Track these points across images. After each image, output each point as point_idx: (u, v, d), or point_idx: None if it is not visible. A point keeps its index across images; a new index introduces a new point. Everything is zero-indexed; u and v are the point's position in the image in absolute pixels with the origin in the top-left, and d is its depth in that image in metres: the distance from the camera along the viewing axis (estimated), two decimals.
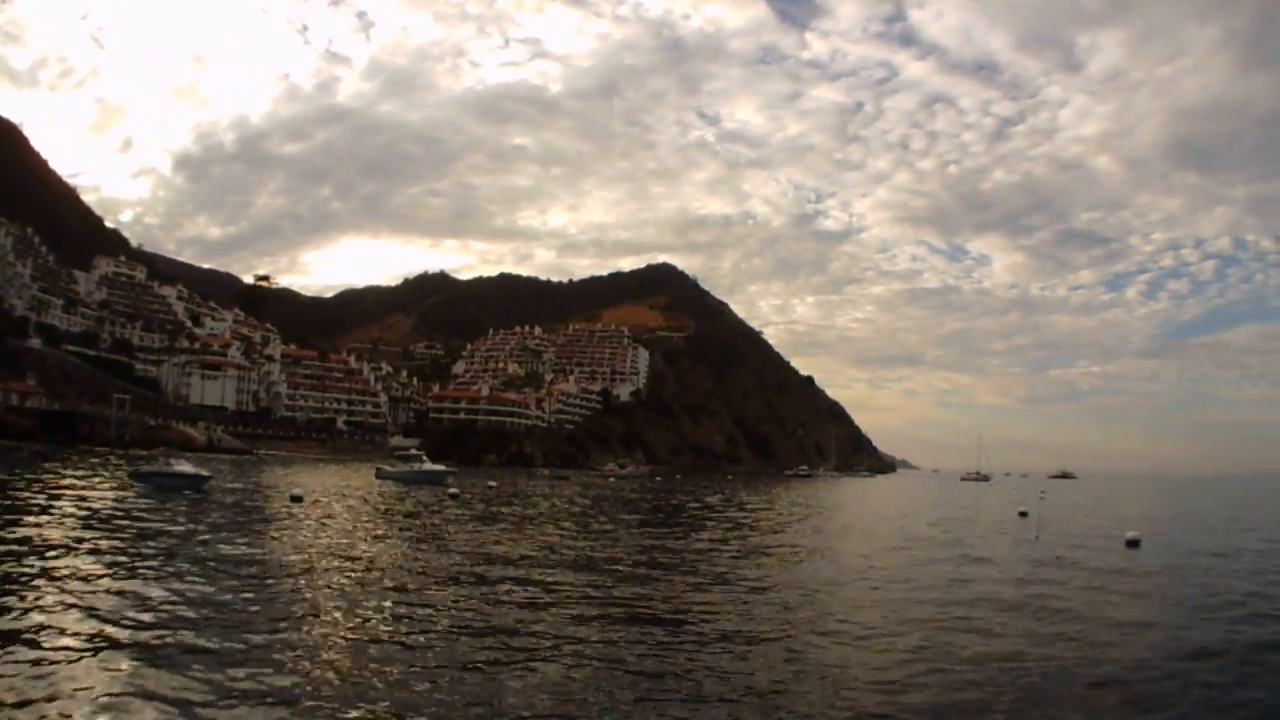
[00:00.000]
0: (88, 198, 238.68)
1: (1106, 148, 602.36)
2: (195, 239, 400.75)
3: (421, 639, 14.41)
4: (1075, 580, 25.99)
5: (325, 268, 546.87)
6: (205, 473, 47.16)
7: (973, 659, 14.53)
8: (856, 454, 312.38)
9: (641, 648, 14.38)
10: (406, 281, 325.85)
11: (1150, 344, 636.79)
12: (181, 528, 28.19)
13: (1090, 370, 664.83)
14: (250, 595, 17.12)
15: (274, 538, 27.68)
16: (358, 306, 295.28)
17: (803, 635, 16.09)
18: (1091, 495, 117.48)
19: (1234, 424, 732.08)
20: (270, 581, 18.97)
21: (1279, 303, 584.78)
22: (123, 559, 20.81)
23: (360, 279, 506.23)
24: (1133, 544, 38.78)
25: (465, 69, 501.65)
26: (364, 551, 25.44)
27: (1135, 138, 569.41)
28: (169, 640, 13.12)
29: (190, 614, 15.07)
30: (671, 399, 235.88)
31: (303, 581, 19.56)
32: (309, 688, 11.25)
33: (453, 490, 61.73)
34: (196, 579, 18.50)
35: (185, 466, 47.60)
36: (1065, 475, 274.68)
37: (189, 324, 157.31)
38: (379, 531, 32.22)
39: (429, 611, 16.68)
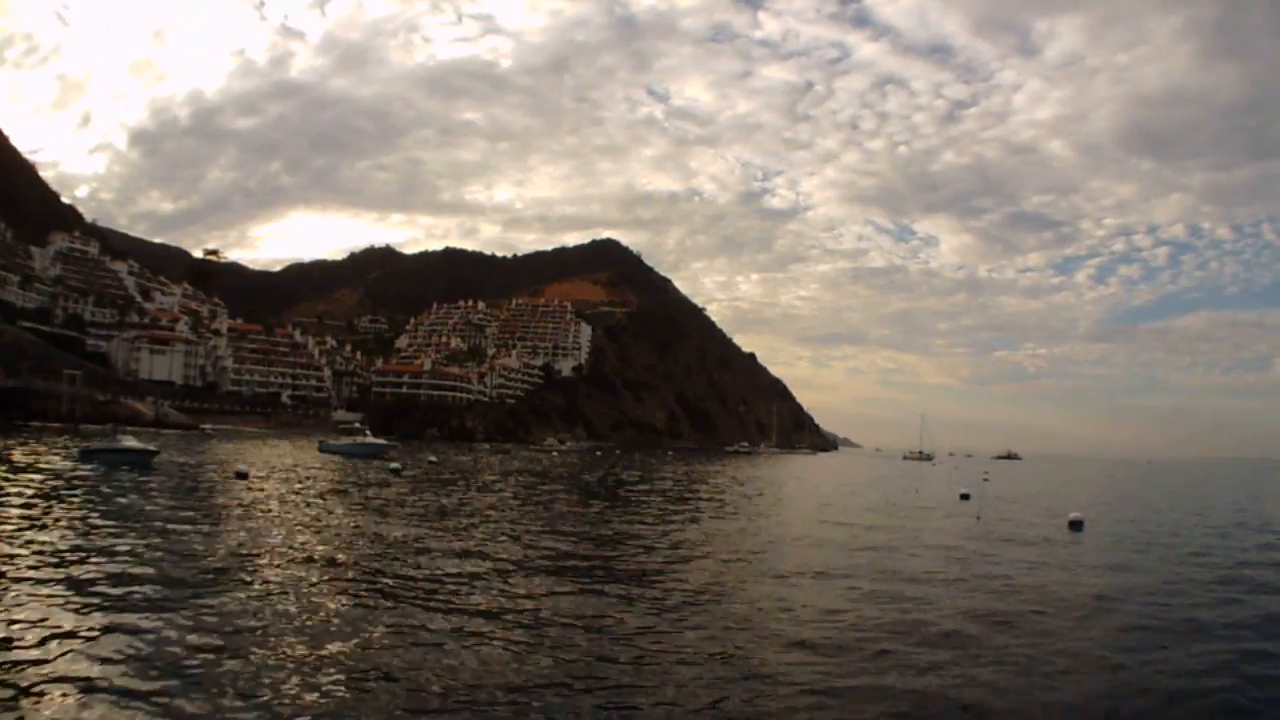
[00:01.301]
0: (46, 174, 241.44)
1: (1060, 132, 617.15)
2: (148, 213, 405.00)
3: (355, 615, 14.84)
4: (1014, 560, 26.64)
5: (274, 241, 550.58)
6: (152, 448, 48.76)
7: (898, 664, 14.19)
8: (798, 431, 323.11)
9: (551, 648, 13.66)
10: (353, 255, 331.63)
11: (1099, 328, 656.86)
12: (125, 502, 29.49)
13: (1037, 353, 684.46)
14: (185, 571, 17.63)
15: (218, 513, 28.54)
16: (304, 280, 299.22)
17: (735, 634, 15.59)
18: (1036, 477, 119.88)
19: (1184, 410, 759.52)
20: (209, 558, 19.50)
21: (1234, 290, 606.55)
22: (57, 533, 21.67)
23: (308, 253, 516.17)
24: (1075, 525, 39.94)
25: (418, 44, 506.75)
26: (305, 527, 26.21)
27: (1090, 123, 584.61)
28: (102, 614, 13.67)
29: (120, 589, 15.54)
30: (613, 374, 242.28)
31: (243, 556, 20.27)
32: (247, 667, 11.59)
33: (394, 465, 63.57)
34: (129, 555, 19.12)
35: (132, 442, 49.30)
36: (1010, 456, 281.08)
37: (139, 299, 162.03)
38: (321, 506, 33.13)
39: (365, 589, 17.13)
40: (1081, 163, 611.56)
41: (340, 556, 20.92)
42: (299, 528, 25.82)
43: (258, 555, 20.10)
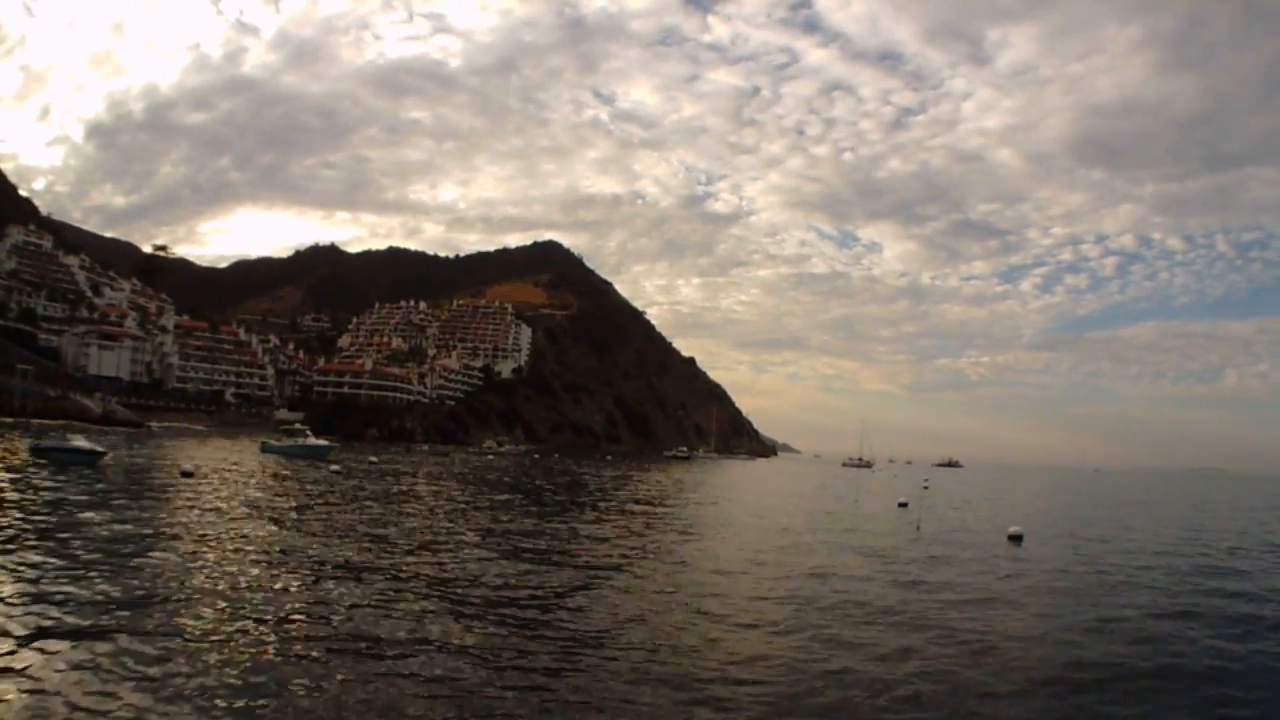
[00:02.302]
0: (6, 165, 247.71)
1: (1009, 141, 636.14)
2: (100, 207, 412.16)
3: (296, 617, 15.74)
4: (951, 577, 26.78)
5: (221, 238, 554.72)
6: (100, 449, 50.28)
7: (828, 660, 15.40)
8: (737, 436, 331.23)
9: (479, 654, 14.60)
10: (298, 253, 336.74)
11: (1043, 337, 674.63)
12: (69, 504, 30.18)
13: (980, 361, 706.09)
14: (125, 578, 18.27)
15: (163, 515, 29.43)
16: (250, 278, 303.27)
17: (658, 637, 16.63)
18: (977, 485, 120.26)
19: (1131, 419, 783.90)
20: (151, 559, 20.33)
21: (1185, 301, 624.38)
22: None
23: (255, 250, 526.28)
24: (1015, 539, 39.64)
25: (368, 42, 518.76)
26: (247, 530, 27.15)
27: (1040, 132, 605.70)
28: (33, 621, 14.28)
29: (58, 592, 16.34)
30: (552, 377, 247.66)
31: (183, 558, 20.93)
32: (182, 668, 12.50)
33: (334, 467, 65.30)
34: (70, 562, 19.61)
35: (81, 442, 50.51)
36: (951, 464, 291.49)
37: (89, 294, 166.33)
38: (262, 508, 34.10)
39: (302, 591, 18.05)
40: (1030, 172, 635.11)
41: (288, 564, 21.64)
42: (234, 538, 25.73)
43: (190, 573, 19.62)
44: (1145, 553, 37.99)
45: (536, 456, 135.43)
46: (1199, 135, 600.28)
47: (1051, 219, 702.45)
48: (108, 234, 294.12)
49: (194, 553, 21.93)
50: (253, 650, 13.91)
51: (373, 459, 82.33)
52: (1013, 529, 41.38)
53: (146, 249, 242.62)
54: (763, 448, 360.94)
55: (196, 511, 31.07)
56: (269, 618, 15.98)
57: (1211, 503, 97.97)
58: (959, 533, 42.94)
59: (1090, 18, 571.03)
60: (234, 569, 20.30)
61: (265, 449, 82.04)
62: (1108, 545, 40.78)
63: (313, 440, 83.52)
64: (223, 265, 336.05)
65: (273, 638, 14.56)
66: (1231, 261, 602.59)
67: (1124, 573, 30.10)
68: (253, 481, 48.05)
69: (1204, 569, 33.00)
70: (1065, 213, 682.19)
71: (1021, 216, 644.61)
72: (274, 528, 29.08)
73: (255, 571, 20.65)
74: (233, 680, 12.21)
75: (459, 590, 19.81)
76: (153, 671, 12.27)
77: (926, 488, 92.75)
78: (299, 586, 19.06)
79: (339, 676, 12.75)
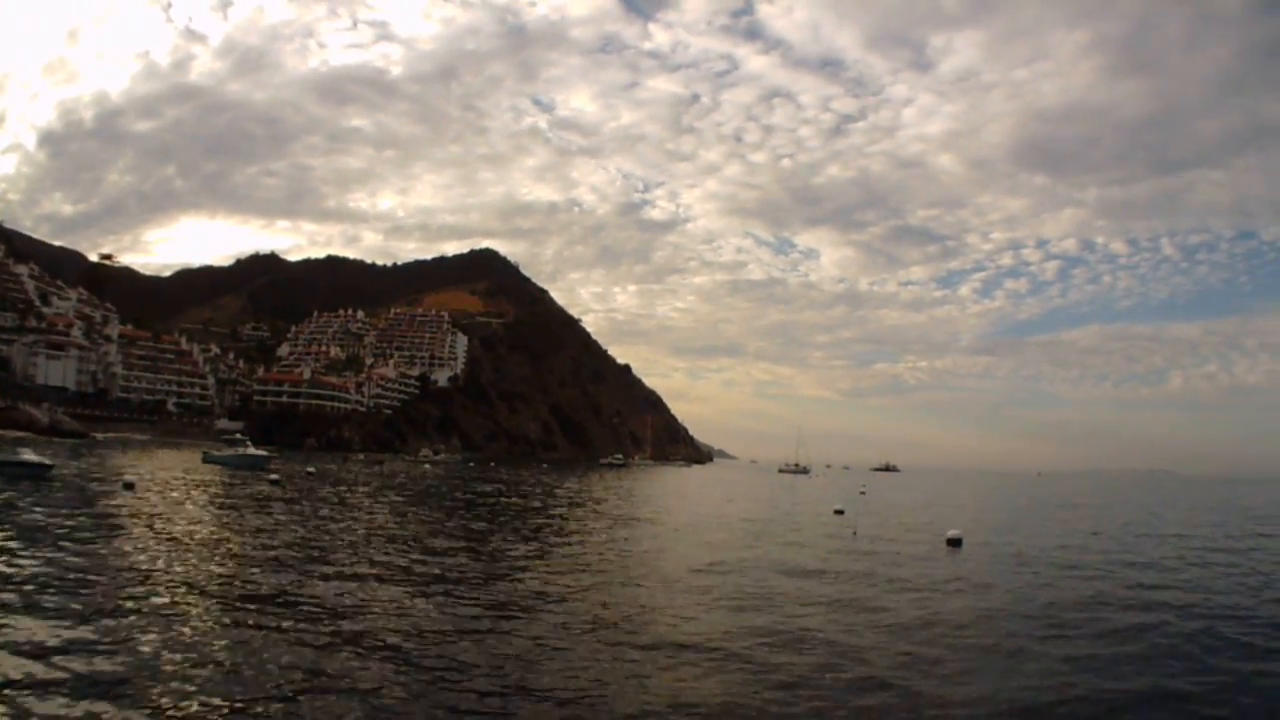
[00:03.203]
0: None
1: (950, 147, 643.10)
2: (50, 215, 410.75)
3: (239, 639, 15.91)
4: (885, 585, 26.55)
5: (165, 246, 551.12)
6: (48, 461, 51.21)
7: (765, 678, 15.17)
8: (673, 443, 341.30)
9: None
10: (239, 262, 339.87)
11: (982, 341, 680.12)
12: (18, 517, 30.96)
13: (918, 365, 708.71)
14: (71, 588, 18.92)
15: (104, 530, 29.74)
16: (192, 286, 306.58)
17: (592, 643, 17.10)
18: (916, 490, 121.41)
19: (1074, 422, 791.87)
20: (93, 577, 20.55)
21: (1128, 304, 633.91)
22: None
23: (198, 258, 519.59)
24: (954, 543, 39.69)
25: (313, 49, 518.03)
26: (185, 544, 27.62)
27: (981, 138, 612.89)
28: None
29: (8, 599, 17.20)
30: (488, 385, 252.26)
31: (126, 576, 21.17)
32: (131, 677, 12.96)
33: (274, 476, 66.21)
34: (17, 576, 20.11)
35: (30, 455, 51.39)
36: (889, 469, 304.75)
37: (38, 303, 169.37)
38: (202, 522, 34.89)
39: (241, 612, 18.13)
40: (971, 177, 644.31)
41: (223, 578, 21.99)
42: (175, 548, 26.75)
43: (127, 586, 19.88)
44: (1087, 553, 39.38)
45: (472, 466, 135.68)
46: (1146, 139, 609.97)
47: (992, 224, 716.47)
48: (57, 242, 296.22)
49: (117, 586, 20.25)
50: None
51: (310, 469, 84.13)
52: (951, 533, 41.70)
53: (93, 257, 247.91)
54: (698, 454, 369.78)
55: (139, 528, 31.30)
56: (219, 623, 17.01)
57: (1154, 505, 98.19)
58: (896, 539, 43.12)
59: (1037, 23, 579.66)
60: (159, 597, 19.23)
61: (207, 459, 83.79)
62: (1046, 550, 40.72)
63: (253, 450, 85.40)
64: (166, 274, 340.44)
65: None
66: (1177, 264, 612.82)
67: (1060, 579, 29.77)
68: (194, 495, 48.74)
69: (1134, 566, 34.24)
70: (1006, 218, 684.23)
71: (961, 222, 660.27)
72: (226, 536, 30.68)
73: (198, 574, 22.43)
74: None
75: (370, 620, 18.57)
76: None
77: (863, 493, 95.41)
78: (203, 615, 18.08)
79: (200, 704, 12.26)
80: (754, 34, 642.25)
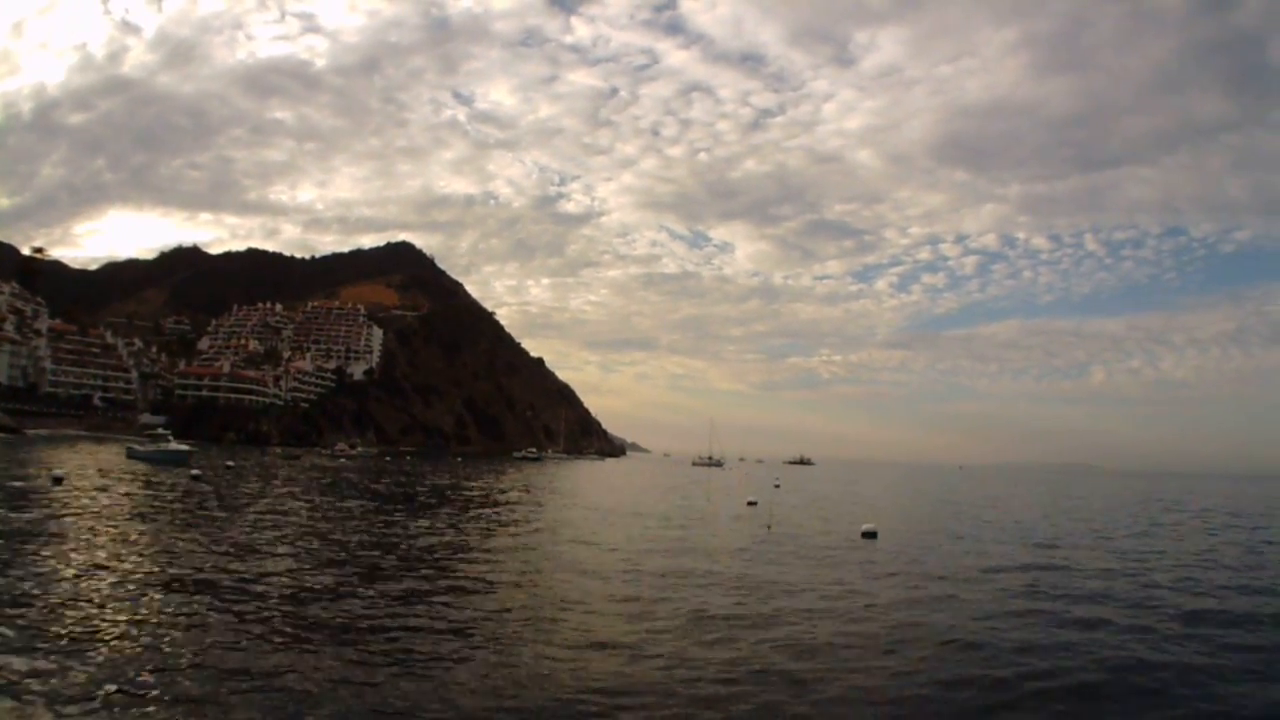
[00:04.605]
0: None
1: (869, 142, 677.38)
2: None
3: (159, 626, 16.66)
4: (801, 576, 27.39)
5: (94, 239, 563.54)
6: None
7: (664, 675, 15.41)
8: (586, 436, 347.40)
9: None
10: (162, 255, 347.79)
11: (898, 335, 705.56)
12: None
13: (832, 359, 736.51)
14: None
15: (34, 523, 30.51)
16: (117, 280, 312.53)
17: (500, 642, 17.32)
18: (831, 483, 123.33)
19: (994, 416, 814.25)
20: (16, 573, 21.14)
21: (1049, 299, 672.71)
22: None
23: (125, 251, 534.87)
24: (869, 535, 40.24)
25: (241, 41, 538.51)
26: (112, 539, 28.40)
27: (902, 133, 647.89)
28: None
29: None
30: (403, 378, 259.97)
31: (54, 567, 22.28)
32: (43, 666, 13.55)
33: (195, 471, 67.23)
34: None
35: None
36: (803, 461, 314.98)
37: None
38: (124, 517, 35.50)
39: (158, 601, 18.97)
40: (890, 172, 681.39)
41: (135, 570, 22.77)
42: (104, 539, 27.91)
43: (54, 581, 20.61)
44: (997, 545, 40.76)
45: (388, 460, 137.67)
46: (1072, 136, 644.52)
47: (910, 219, 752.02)
48: None
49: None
50: None
51: (229, 463, 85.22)
52: (866, 526, 42.01)
53: (26, 251, 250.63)
54: (611, 447, 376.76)
55: (68, 519, 32.95)
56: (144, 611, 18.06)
57: (1069, 499, 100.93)
58: (812, 532, 43.23)
59: (963, 21, 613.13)
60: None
61: (131, 454, 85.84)
62: (961, 541, 41.88)
63: (174, 445, 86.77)
64: (94, 267, 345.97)
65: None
66: (1101, 260, 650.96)
67: (972, 571, 30.48)
68: (117, 489, 49.50)
69: (1039, 553, 36.02)
70: (925, 213, 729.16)
71: (879, 217, 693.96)
72: (146, 530, 31.75)
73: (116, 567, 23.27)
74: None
75: (285, 608, 19.51)
76: None
77: (778, 486, 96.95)
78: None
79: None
80: (676, 28, 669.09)
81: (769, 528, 43.63)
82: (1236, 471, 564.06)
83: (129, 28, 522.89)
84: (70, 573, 22.02)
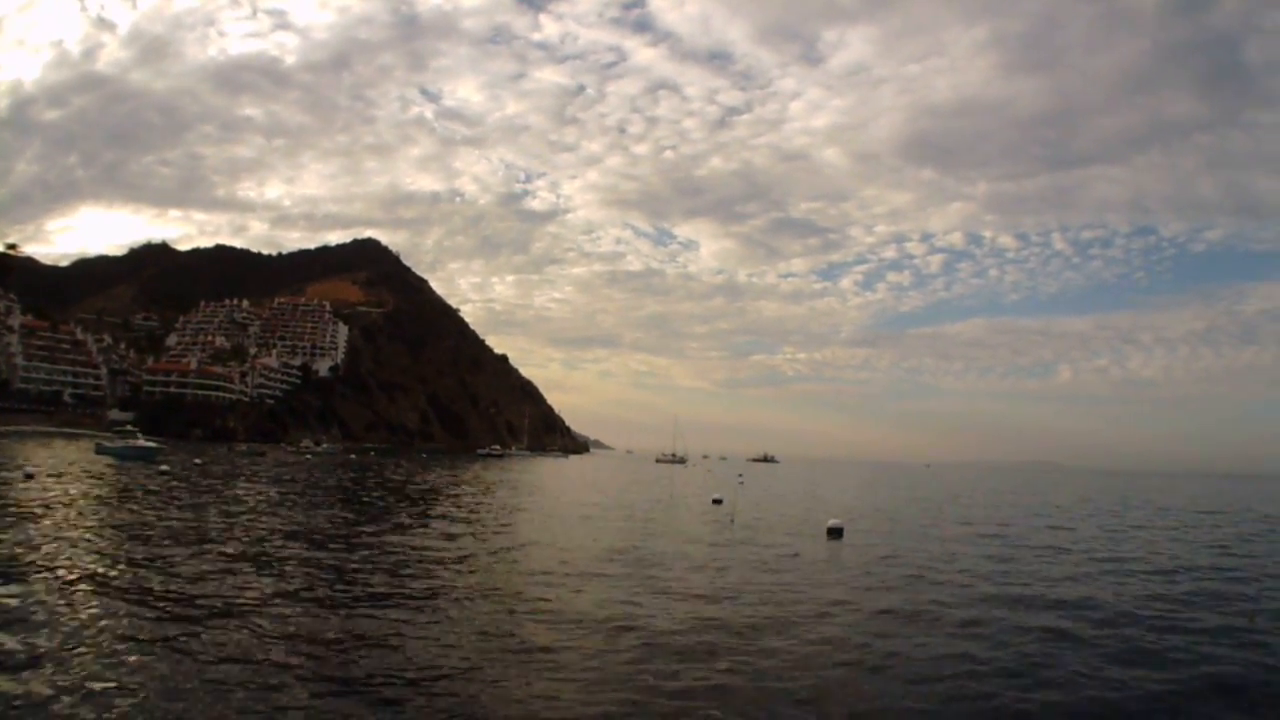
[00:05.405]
0: None
1: (835, 140, 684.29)
2: None
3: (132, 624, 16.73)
4: (764, 574, 27.31)
5: (66, 236, 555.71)
6: None
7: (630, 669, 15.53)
8: (549, 434, 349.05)
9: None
10: (132, 251, 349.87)
11: (863, 333, 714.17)
12: None
13: (796, 357, 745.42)
14: None
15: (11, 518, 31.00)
16: (88, 276, 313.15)
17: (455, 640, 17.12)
18: (795, 481, 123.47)
19: (960, 414, 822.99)
20: None
21: (1015, 298, 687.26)
22: None
23: (95, 248, 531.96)
24: (835, 532, 40.13)
25: (213, 38, 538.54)
26: (83, 532, 28.99)
27: (869, 132, 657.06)
28: None
29: None
30: (368, 375, 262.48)
31: (25, 557, 22.62)
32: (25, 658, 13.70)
33: (163, 467, 68.19)
34: None
35: None
36: (767, 459, 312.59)
37: None
38: (95, 511, 35.99)
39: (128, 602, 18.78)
40: (856, 170, 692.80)
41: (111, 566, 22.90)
42: (72, 533, 28.52)
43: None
44: (960, 541, 41.04)
45: (352, 457, 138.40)
46: (1041, 135, 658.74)
47: (876, 217, 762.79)
48: None
49: None
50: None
51: (197, 460, 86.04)
52: (832, 522, 41.77)
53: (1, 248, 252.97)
54: (575, 445, 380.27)
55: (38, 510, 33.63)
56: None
57: (1030, 495, 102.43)
58: (775, 529, 43.08)
59: (932, 20, 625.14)
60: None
61: (100, 450, 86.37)
62: (927, 538, 42.16)
63: (142, 441, 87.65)
64: (65, 264, 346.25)
65: None
66: (1069, 259, 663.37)
67: (936, 567, 30.55)
68: (85, 484, 49.84)
69: (1004, 558, 34.91)
70: (891, 211, 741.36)
71: (845, 215, 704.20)
72: (115, 524, 31.92)
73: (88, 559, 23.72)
74: None
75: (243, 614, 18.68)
76: None
77: (742, 482, 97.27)
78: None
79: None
80: (644, 26, 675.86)
81: (732, 522, 44.98)
82: (1207, 471, 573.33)
83: (104, 24, 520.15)
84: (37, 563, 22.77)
